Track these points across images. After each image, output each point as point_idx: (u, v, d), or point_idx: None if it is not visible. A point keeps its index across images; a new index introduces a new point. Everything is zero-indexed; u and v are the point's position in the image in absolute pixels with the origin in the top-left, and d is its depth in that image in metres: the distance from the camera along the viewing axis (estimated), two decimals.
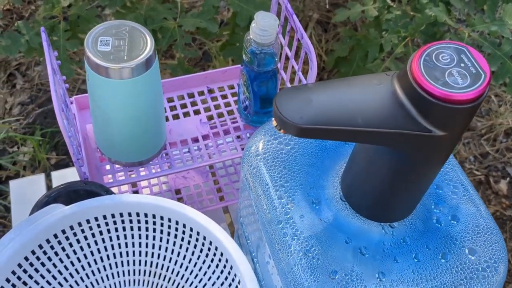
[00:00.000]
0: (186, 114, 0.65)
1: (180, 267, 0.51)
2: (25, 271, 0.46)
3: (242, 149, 0.63)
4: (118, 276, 0.52)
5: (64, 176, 0.78)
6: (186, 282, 0.51)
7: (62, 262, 0.48)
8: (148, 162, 0.60)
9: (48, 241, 0.47)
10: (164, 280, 0.52)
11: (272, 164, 0.42)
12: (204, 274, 0.49)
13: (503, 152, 1.44)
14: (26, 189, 0.76)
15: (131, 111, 0.52)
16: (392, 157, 0.32)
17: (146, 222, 0.50)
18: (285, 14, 0.57)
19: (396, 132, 0.28)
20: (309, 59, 0.53)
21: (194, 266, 0.50)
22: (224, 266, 0.47)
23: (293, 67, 0.59)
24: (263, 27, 0.53)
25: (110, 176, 0.61)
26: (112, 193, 0.52)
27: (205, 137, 0.64)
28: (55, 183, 0.77)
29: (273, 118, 0.28)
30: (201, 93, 0.67)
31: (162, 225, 0.50)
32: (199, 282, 0.50)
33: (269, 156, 0.42)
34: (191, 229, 0.48)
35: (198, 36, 1.45)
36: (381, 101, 0.28)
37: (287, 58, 0.61)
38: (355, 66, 0.96)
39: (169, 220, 0.49)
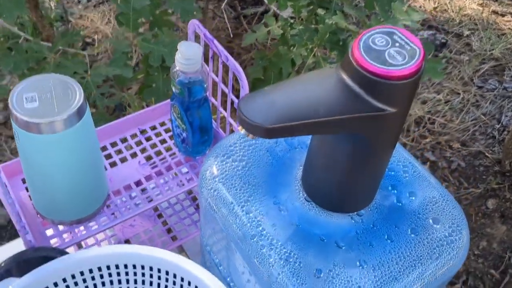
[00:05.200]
0: (123, 160, 0.63)
1: None
2: None
3: (188, 181, 0.62)
4: None
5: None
6: None
7: None
8: (94, 216, 0.57)
9: None
10: None
11: (232, 182, 0.42)
12: None
13: (418, 140, 1.54)
14: None
15: (70, 165, 0.50)
16: (351, 144, 0.33)
17: (110, 275, 0.47)
18: (204, 41, 0.58)
19: (353, 116, 0.30)
20: (239, 78, 0.54)
21: None
22: None
23: (223, 91, 0.60)
24: (188, 56, 0.53)
25: (56, 239, 0.58)
26: (67, 253, 0.49)
27: (148, 178, 0.62)
28: None
29: (239, 126, 0.28)
30: (134, 136, 0.66)
31: (127, 273, 0.47)
32: None
33: (226, 176, 0.42)
34: (159, 270, 0.47)
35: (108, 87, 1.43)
36: (334, 91, 0.30)
37: (215, 83, 0.62)
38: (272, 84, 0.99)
39: (134, 266, 0.47)
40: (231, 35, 1.37)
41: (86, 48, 1.82)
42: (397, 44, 0.31)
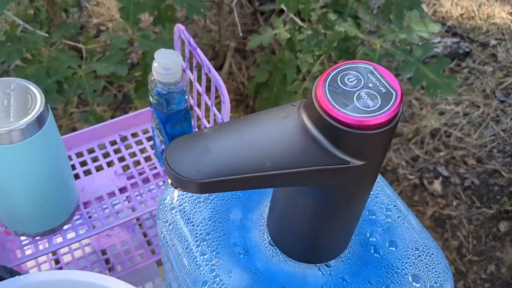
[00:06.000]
0: (99, 168, 0.60)
1: None
2: None
3: None
4: None
5: None
6: None
7: None
8: (60, 228, 0.54)
9: None
10: None
11: (190, 215, 0.37)
12: None
13: (432, 153, 1.47)
14: None
15: (30, 177, 0.47)
16: (313, 195, 0.29)
17: None
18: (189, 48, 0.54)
19: (311, 169, 0.25)
20: (220, 93, 0.50)
21: None
22: None
23: (206, 102, 0.55)
24: (166, 66, 0.49)
25: (19, 251, 0.55)
26: (17, 273, 0.45)
27: (122, 189, 0.59)
28: None
29: (168, 178, 0.24)
30: (113, 143, 0.62)
31: None
32: None
33: (186, 207, 0.38)
34: None
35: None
36: (290, 137, 0.25)
37: (199, 93, 0.57)
38: (276, 90, 0.94)
39: None
40: (241, 34, 1.32)
41: (99, 35, 1.79)
42: (370, 85, 0.26)
